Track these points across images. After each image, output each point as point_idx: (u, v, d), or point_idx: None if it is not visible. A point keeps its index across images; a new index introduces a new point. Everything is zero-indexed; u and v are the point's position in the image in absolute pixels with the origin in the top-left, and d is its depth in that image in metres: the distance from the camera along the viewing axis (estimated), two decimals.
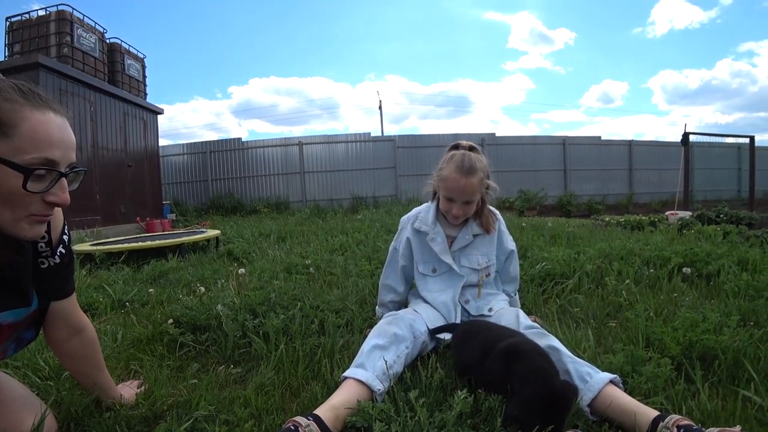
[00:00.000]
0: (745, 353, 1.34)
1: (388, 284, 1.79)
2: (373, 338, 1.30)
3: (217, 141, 11.17)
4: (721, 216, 5.44)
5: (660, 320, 1.59)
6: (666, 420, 0.96)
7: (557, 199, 10.56)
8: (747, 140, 9.98)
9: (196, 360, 1.57)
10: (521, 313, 1.45)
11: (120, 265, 3.38)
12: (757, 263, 2.41)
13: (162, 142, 10.41)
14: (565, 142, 12.42)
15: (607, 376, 1.12)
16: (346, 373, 1.18)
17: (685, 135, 9.11)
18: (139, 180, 7.56)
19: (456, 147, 1.62)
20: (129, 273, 3.05)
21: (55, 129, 0.79)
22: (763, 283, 1.97)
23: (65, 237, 1.04)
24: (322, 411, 1.03)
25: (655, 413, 1.00)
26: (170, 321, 1.79)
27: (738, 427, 0.91)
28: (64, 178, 0.82)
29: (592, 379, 1.11)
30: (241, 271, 2.64)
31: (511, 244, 1.79)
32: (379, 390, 1.14)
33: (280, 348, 1.50)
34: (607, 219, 6.70)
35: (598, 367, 1.18)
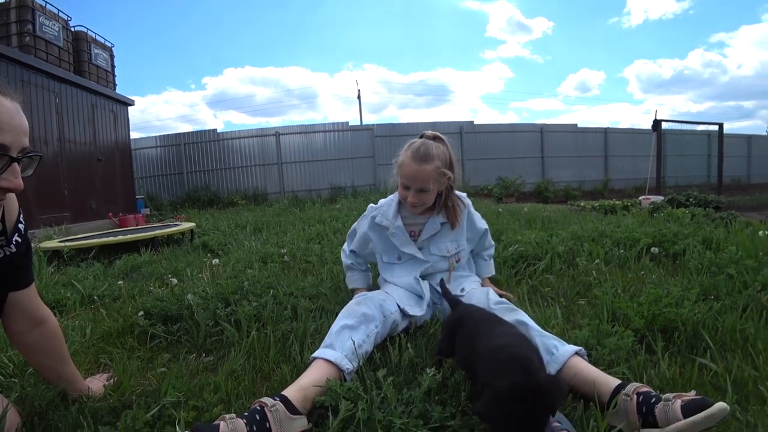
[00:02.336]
0: (704, 324, 1.40)
1: (347, 249, 1.89)
2: (342, 319, 1.30)
3: (192, 132, 10.90)
4: (691, 200, 5.67)
5: (626, 297, 1.63)
6: (626, 388, 0.99)
7: (535, 186, 10.73)
8: (716, 128, 10.32)
9: (167, 351, 1.55)
10: (491, 292, 1.47)
11: (90, 261, 3.28)
12: (720, 242, 2.51)
13: (134, 134, 10.16)
14: (542, 130, 12.59)
15: (573, 348, 1.15)
16: (315, 354, 1.18)
17: (656, 121, 9.35)
18: (110, 174, 7.31)
19: (421, 136, 1.64)
20: (100, 269, 2.96)
21: (5, 113, 0.78)
22: (724, 260, 2.05)
23: (21, 225, 1.01)
24: (290, 392, 1.02)
25: (617, 382, 1.03)
26: (140, 313, 1.75)
27: (693, 392, 0.95)
28: (16, 164, 0.81)
29: (558, 352, 1.14)
30: (215, 261, 2.60)
31: (482, 224, 1.81)
32: (348, 369, 1.14)
33: (251, 334, 1.48)
34: (582, 204, 6.84)
35: (566, 341, 1.22)
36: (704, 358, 1.24)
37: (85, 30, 7.09)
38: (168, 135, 10.97)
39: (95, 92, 7.02)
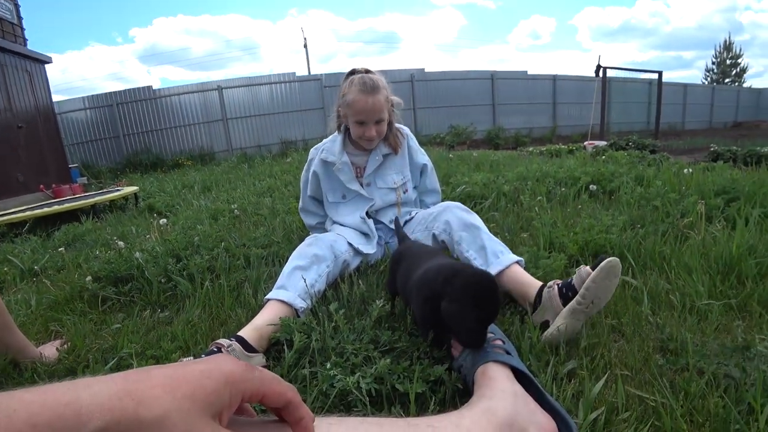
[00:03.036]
0: (629, 248, 1.55)
1: (306, 209, 1.86)
2: (293, 260, 1.33)
3: (125, 91, 10.01)
4: (630, 144, 6.11)
5: (563, 227, 1.77)
6: (549, 283, 1.12)
7: (486, 134, 10.93)
8: (656, 76, 10.79)
9: (121, 311, 1.53)
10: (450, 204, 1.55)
11: (25, 235, 3.10)
12: (650, 179, 2.72)
13: (57, 97, 9.23)
14: (493, 77, 12.65)
15: (516, 257, 1.27)
16: (268, 296, 1.21)
17: (599, 66, 9.66)
18: (34, 143, 6.64)
19: (352, 72, 1.61)
20: (37, 242, 2.81)
21: None
22: (652, 194, 2.25)
23: None
24: (245, 332, 1.06)
25: (542, 283, 1.16)
26: (88, 278, 1.71)
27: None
28: None
29: (503, 256, 1.26)
30: (163, 221, 2.52)
31: (423, 158, 1.83)
32: (302, 307, 1.18)
33: (205, 285, 1.49)
34: (531, 150, 7.09)
35: None
36: (627, 276, 1.38)
37: None
38: (97, 95, 9.98)
39: (2, 49, 6.21)
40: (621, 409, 0.78)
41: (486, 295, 0.83)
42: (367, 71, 1.60)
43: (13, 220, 3.39)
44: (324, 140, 1.79)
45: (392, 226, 1.66)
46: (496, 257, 1.26)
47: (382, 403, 0.84)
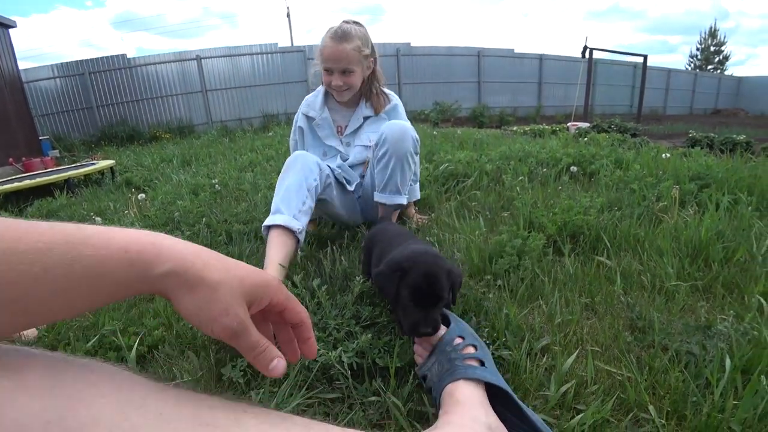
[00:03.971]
0: (605, 229, 1.60)
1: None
2: (283, 181, 1.40)
3: (98, 59, 9.52)
4: (613, 127, 6.21)
5: (543, 207, 1.81)
6: None
7: (471, 111, 10.90)
8: (641, 60, 10.84)
9: None
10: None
11: None
12: (629, 163, 2.78)
13: (24, 64, 8.72)
14: (479, 54, 12.53)
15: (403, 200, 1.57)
16: (266, 223, 1.33)
17: (585, 47, 9.68)
18: (0, 113, 6.34)
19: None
20: (9, 218, 2.70)
21: None
22: (631, 178, 2.30)
23: None
24: (272, 270, 1.19)
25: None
26: None
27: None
28: None
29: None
30: (141, 196, 2.47)
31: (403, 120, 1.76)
32: (299, 229, 1.31)
33: None
34: (515, 129, 7.13)
35: (486, 246, 1.36)
36: (602, 257, 1.43)
37: None
38: (68, 63, 9.40)
39: None
40: (590, 383, 0.83)
41: (420, 271, 0.80)
42: (355, 23, 1.58)
43: None
44: (308, 95, 1.78)
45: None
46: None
47: (363, 376, 0.87)
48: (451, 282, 0.84)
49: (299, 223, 1.32)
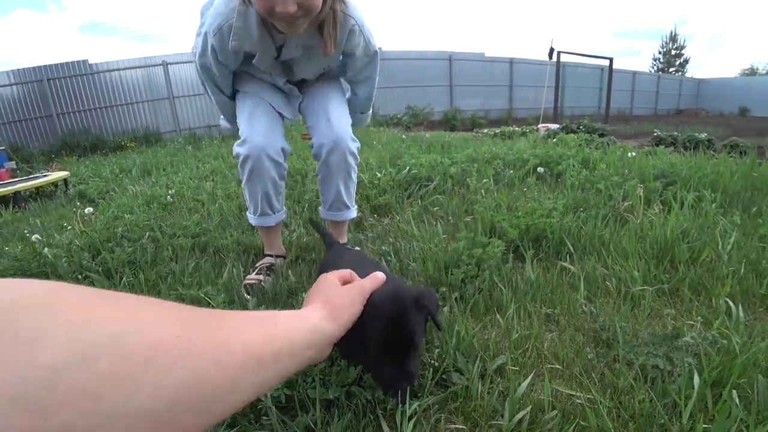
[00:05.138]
0: (568, 233, 1.53)
1: (221, 99, 1.43)
2: (256, 185, 1.33)
3: (58, 65, 9.07)
4: (581, 128, 6.27)
5: (505, 211, 1.73)
6: None
7: (443, 115, 10.93)
8: (607, 63, 11.09)
9: None
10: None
11: None
12: (596, 162, 2.75)
13: None
14: (451, 58, 12.60)
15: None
16: (257, 224, 1.39)
17: (552, 50, 9.83)
18: None
19: None
20: None
21: None
22: (597, 177, 2.26)
23: None
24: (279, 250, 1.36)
25: None
26: None
27: None
28: None
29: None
30: (88, 210, 2.30)
31: (373, 46, 1.41)
32: (284, 216, 1.45)
33: (122, 281, 1.35)
34: (485, 131, 7.14)
35: (444, 254, 1.27)
36: (565, 261, 1.36)
37: None
38: (25, 69, 8.93)
39: None
40: (547, 408, 0.74)
41: (382, 317, 0.64)
42: None
43: None
44: (215, 11, 1.14)
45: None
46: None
47: (296, 409, 0.76)
48: (427, 309, 0.69)
49: (283, 213, 1.44)
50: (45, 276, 1.51)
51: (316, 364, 0.78)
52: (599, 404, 0.73)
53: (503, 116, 13.00)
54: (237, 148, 1.28)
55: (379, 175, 2.32)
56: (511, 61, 13.88)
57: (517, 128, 7.00)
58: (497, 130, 6.92)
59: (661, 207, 1.81)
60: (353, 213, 1.47)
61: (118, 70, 9.40)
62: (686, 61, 32.00)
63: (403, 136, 5.09)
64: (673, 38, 32.24)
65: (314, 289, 0.61)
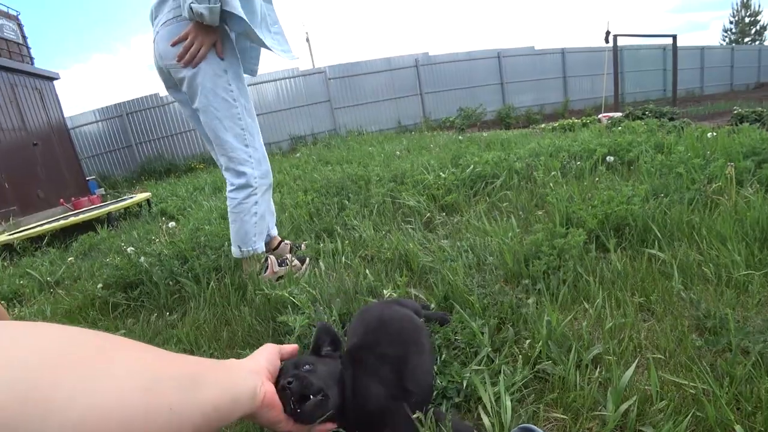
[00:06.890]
0: (653, 219, 1.44)
1: None
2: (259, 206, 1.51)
3: (133, 101, 10.08)
4: (647, 113, 5.81)
5: (580, 201, 1.66)
6: None
7: (496, 114, 10.68)
8: (670, 41, 10.32)
9: (131, 316, 1.51)
10: None
11: (45, 249, 3.17)
12: (671, 146, 2.57)
13: (70, 111, 9.33)
14: (499, 55, 12.31)
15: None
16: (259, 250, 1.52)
17: (608, 33, 9.29)
18: (51, 159, 6.73)
19: None
20: (56, 254, 2.89)
21: None
22: (675, 161, 2.10)
23: None
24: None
25: None
26: (99, 285, 1.72)
27: None
28: None
29: None
30: (171, 224, 2.51)
31: None
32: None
33: (210, 285, 1.46)
34: (543, 126, 6.89)
35: (521, 247, 1.24)
36: (653, 249, 1.28)
37: None
38: (107, 107, 10.04)
39: (11, 69, 6.21)
40: (656, 399, 0.70)
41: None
42: None
43: (31, 235, 3.44)
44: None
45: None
46: None
47: None
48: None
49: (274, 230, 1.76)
50: (141, 283, 1.67)
51: None
52: (716, 395, 0.68)
53: (559, 109, 12.45)
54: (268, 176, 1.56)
55: (443, 175, 2.32)
56: (563, 51, 13.27)
57: (576, 120, 6.68)
58: (555, 124, 6.64)
59: (758, 186, 1.64)
60: (258, 244, 1.56)
61: None
62: (764, 28, 28.70)
63: (459, 138, 5.04)
64: (746, 4, 29.18)
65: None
